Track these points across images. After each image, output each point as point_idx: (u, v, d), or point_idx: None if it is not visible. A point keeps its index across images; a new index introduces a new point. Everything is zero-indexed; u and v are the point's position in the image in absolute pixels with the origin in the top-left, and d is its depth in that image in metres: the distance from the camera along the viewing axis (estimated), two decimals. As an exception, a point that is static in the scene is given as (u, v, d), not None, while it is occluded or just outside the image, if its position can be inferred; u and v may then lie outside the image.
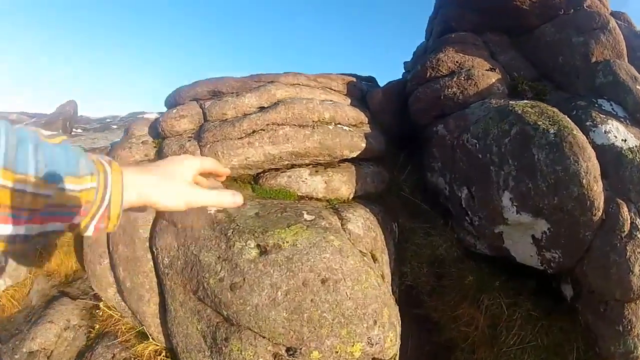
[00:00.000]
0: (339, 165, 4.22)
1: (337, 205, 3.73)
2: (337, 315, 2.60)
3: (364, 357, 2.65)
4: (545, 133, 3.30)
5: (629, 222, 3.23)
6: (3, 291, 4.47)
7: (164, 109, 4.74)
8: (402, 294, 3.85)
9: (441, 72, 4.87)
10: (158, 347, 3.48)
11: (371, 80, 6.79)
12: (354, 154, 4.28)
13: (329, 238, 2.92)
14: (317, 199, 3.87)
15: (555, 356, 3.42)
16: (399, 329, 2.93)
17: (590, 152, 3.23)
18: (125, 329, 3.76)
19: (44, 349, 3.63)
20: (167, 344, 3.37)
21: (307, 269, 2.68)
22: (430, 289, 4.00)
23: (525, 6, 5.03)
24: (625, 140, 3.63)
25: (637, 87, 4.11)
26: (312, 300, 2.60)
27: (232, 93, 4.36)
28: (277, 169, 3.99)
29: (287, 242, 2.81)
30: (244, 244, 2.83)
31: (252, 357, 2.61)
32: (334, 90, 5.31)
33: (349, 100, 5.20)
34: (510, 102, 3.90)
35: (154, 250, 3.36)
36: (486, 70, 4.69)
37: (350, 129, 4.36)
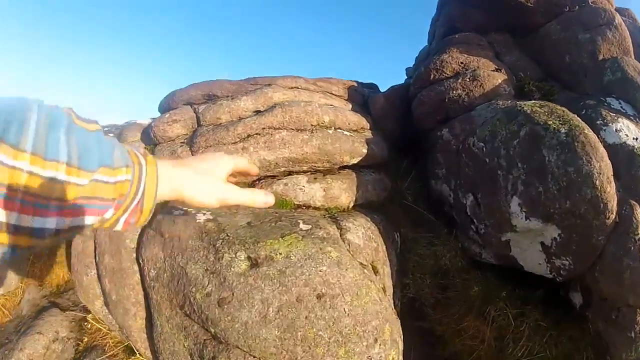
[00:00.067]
0: (339, 172, 4.05)
1: (336, 214, 3.55)
2: (335, 334, 2.39)
3: (364, 378, 2.45)
4: (556, 133, 3.18)
5: (643, 224, 3.10)
6: (-5, 300, 4.42)
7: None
8: (404, 306, 3.69)
9: (445, 73, 4.76)
10: (146, 363, 3.33)
11: (373, 87, 6.64)
12: (355, 161, 4.11)
13: (326, 249, 2.73)
14: (315, 208, 3.69)
15: (564, 366, 3.29)
16: (401, 346, 2.73)
17: (603, 152, 3.14)
18: (112, 343, 3.64)
19: (32, 360, 3.58)
20: (155, 360, 3.20)
21: (301, 283, 2.48)
22: (434, 301, 3.84)
23: (530, 3, 4.95)
24: (637, 139, 3.54)
25: (646, 83, 4.01)
26: (306, 317, 2.39)
27: (227, 96, 4.21)
28: (273, 176, 3.81)
29: (280, 253, 2.62)
30: (233, 255, 2.64)
31: (241, 378, 2.42)
32: (335, 95, 5.17)
33: (350, 106, 5.07)
34: (519, 102, 3.77)
35: (140, 261, 3.19)
36: (492, 70, 4.58)
37: (351, 134, 4.20)
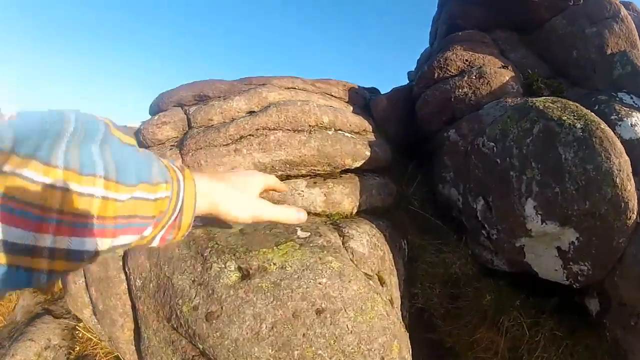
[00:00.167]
0: (341, 177, 3.82)
1: (338, 221, 3.34)
2: (336, 353, 2.15)
3: (370, 402, 2.21)
4: (571, 129, 3.03)
5: (665, 224, 2.96)
6: (-12, 306, 4.52)
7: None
8: (412, 317, 3.51)
9: (450, 71, 4.60)
10: (135, 376, 3.26)
11: (374, 91, 6.45)
12: (358, 164, 3.89)
13: (326, 259, 2.50)
14: (316, 214, 3.47)
15: (581, 377, 3.18)
16: (410, 363, 2.50)
17: (621, 148, 3.01)
18: (103, 353, 3.64)
19: (24, 367, 3.64)
20: (144, 373, 3.03)
21: (298, 297, 2.25)
22: (444, 312, 3.67)
23: (535, -2, 4.88)
24: (653, 134, 3.42)
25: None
26: (304, 335, 2.15)
27: (219, 97, 3.99)
28: (270, 181, 3.57)
29: (274, 264, 2.38)
30: (223, 265, 2.40)
31: (232, 401, 2.19)
32: (334, 97, 4.97)
33: (351, 108, 4.86)
34: (529, 99, 3.61)
35: (126, 270, 3.01)
36: (499, 68, 4.44)
37: (352, 135, 3.99)
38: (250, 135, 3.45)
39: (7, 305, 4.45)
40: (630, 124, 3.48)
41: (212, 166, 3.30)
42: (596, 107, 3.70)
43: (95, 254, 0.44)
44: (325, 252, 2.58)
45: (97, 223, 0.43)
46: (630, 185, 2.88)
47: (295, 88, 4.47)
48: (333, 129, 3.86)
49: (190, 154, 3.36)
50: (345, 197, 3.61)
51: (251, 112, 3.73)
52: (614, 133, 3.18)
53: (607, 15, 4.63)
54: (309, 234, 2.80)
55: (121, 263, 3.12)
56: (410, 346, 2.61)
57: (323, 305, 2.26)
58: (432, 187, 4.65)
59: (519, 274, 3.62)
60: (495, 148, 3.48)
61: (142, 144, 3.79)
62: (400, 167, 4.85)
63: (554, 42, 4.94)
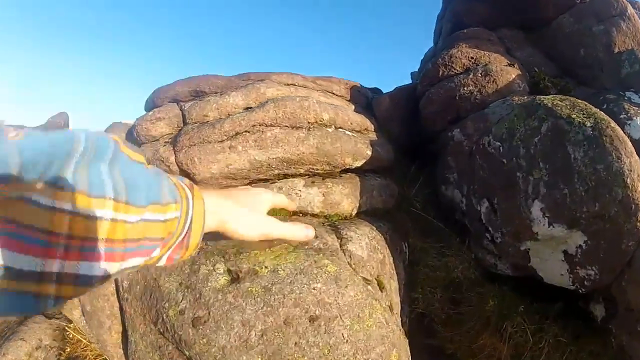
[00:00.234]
0: (340, 176, 3.72)
1: (336, 222, 3.23)
2: (331, 363, 2.03)
3: (366, 416, 2.09)
4: (581, 127, 2.95)
5: (675, 227, 2.88)
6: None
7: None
8: (412, 322, 3.44)
9: (455, 69, 4.52)
10: (124, 379, 3.19)
11: (376, 91, 6.33)
12: (358, 163, 3.78)
13: (321, 262, 2.39)
14: (313, 215, 3.36)
15: (586, 383, 3.12)
16: (410, 373, 2.38)
17: (631, 147, 2.96)
18: (92, 355, 3.57)
19: (14, 366, 3.65)
20: (132, 377, 2.94)
21: (290, 303, 2.14)
22: (445, 317, 3.60)
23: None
24: (663, 134, 3.37)
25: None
26: (296, 343, 2.04)
27: (216, 92, 3.89)
28: (266, 180, 3.47)
29: (265, 267, 2.27)
30: (211, 268, 2.30)
31: (220, 412, 2.07)
32: (336, 95, 4.85)
33: (353, 107, 4.74)
34: (537, 96, 3.51)
35: (113, 270, 2.88)
36: (505, 65, 4.34)
37: (353, 134, 3.87)
38: (246, 131, 3.34)
39: (-2, 303, 4.43)
40: (640, 123, 3.38)
41: (206, 163, 3.19)
42: (605, 106, 3.64)
43: (104, 278, 0.44)
44: (321, 255, 2.47)
45: (105, 246, 0.42)
46: (641, 186, 2.82)
47: (295, 84, 4.36)
48: (333, 127, 3.76)
49: (183, 150, 3.24)
50: (344, 197, 3.50)
51: (248, 108, 3.62)
52: (624, 132, 3.11)
53: (614, 13, 4.61)
54: (305, 235, 2.67)
55: (108, 263, 3.01)
56: (409, 354, 2.51)
57: (317, 312, 2.15)
58: (434, 189, 4.57)
59: (523, 278, 3.55)
60: (501, 148, 3.39)
61: (135, 140, 3.70)
62: (402, 168, 4.76)
63: (561, 40, 4.89)
